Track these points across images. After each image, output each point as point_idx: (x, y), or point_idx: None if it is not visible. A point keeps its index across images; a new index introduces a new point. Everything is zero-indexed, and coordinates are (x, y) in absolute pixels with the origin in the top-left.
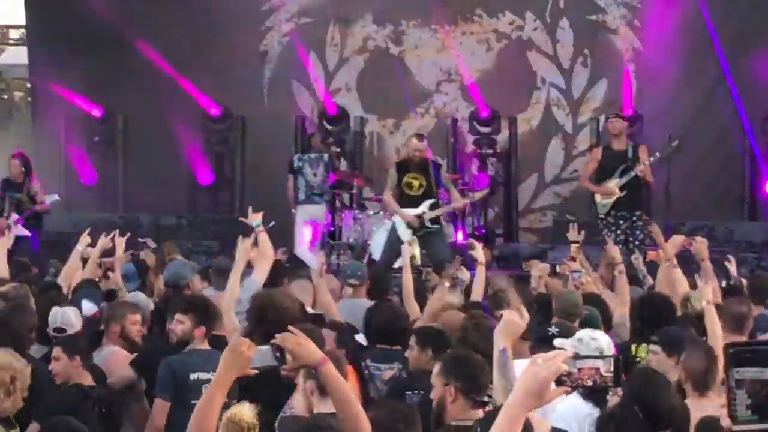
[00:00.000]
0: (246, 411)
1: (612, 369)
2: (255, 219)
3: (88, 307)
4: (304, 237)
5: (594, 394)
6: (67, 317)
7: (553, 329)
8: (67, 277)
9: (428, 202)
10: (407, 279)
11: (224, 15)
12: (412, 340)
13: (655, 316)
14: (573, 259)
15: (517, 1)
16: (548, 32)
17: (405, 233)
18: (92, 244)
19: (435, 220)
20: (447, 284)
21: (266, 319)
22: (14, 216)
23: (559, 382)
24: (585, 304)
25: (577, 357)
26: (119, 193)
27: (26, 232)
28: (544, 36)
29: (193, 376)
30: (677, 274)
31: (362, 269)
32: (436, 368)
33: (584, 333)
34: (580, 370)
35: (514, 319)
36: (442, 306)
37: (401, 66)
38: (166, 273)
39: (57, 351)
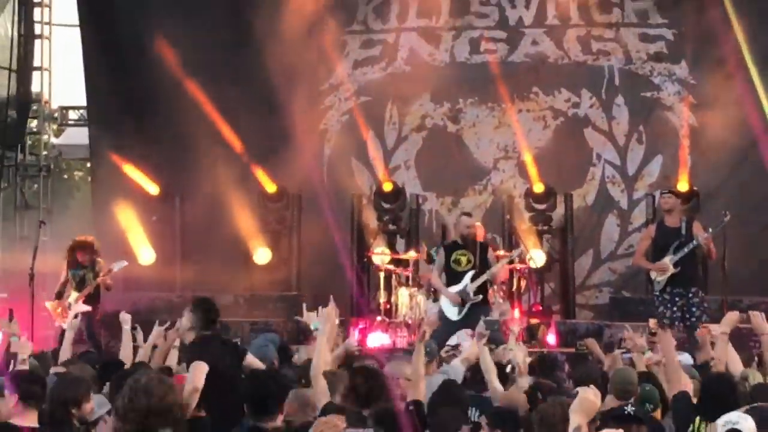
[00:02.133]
0: None
1: None
2: (312, 320)
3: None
4: None
5: None
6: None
7: (629, 408)
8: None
9: (469, 274)
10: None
11: (284, 94)
12: (483, 421)
13: (719, 397)
14: (653, 333)
15: (573, 78)
16: (604, 109)
17: (451, 312)
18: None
19: (478, 291)
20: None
21: None
22: (74, 295)
23: None
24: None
25: None
26: (177, 272)
27: (87, 308)
28: (600, 113)
29: None
30: (731, 350)
31: (431, 345)
32: None
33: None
34: None
35: (589, 397)
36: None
37: (459, 144)
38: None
39: None
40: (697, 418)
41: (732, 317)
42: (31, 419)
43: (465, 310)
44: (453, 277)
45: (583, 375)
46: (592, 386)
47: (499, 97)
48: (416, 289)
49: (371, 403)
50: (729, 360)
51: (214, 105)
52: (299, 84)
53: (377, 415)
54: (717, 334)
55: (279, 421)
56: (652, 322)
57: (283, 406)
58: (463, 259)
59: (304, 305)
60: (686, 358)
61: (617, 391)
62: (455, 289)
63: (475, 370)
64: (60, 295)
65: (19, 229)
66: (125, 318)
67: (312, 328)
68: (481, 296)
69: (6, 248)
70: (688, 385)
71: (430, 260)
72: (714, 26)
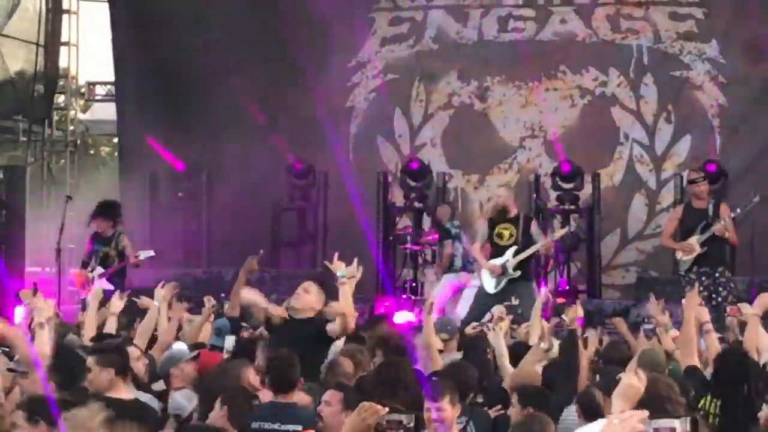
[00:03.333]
0: None
1: (689, 429)
2: (340, 268)
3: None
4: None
5: None
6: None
7: None
8: (145, 332)
9: (512, 249)
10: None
11: (311, 71)
12: (514, 398)
13: (729, 373)
14: None
15: (601, 57)
16: (632, 88)
17: (490, 284)
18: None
19: (518, 267)
20: (542, 345)
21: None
22: (99, 269)
23: None
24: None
25: (652, 416)
26: (203, 248)
27: (109, 286)
28: (628, 92)
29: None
30: (761, 332)
31: (452, 323)
32: None
33: None
34: (656, 430)
35: (633, 382)
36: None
37: (485, 122)
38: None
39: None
40: (708, 396)
41: (765, 299)
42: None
43: (502, 284)
44: (495, 251)
45: (613, 355)
46: (639, 371)
47: (527, 76)
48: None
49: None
50: (760, 342)
51: (242, 81)
52: (327, 61)
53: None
54: (748, 314)
55: None
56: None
57: None
58: (506, 233)
59: (336, 255)
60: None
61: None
62: (498, 261)
63: (467, 347)
64: (85, 265)
65: (45, 204)
66: (159, 295)
67: (338, 275)
68: (519, 272)
69: (33, 223)
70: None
71: (446, 235)
72: (744, 5)
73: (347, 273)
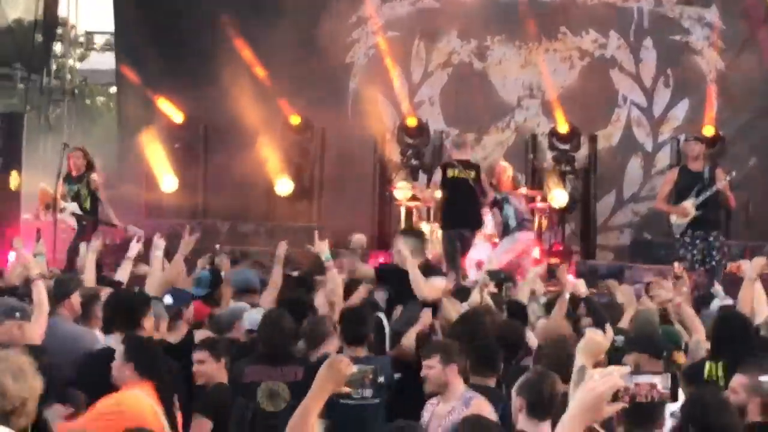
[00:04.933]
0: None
1: (669, 385)
2: (323, 250)
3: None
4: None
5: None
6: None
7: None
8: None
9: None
10: None
11: (311, 26)
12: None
13: (730, 335)
14: (678, 277)
15: (601, 19)
16: (631, 51)
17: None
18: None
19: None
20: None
21: None
22: (73, 205)
23: (615, 397)
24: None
25: (633, 372)
26: (199, 199)
27: (71, 219)
28: (627, 55)
29: None
30: (759, 292)
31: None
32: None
33: None
34: (637, 385)
35: (596, 337)
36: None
37: (484, 81)
38: (233, 280)
39: (203, 354)
40: (708, 363)
41: (759, 262)
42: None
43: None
44: None
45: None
46: (608, 327)
47: (527, 36)
48: (437, 224)
49: None
50: (756, 304)
51: (241, 35)
52: (327, 16)
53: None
54: (745, 273)
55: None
56: (677, 266)
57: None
58: None
59: (317, 233)
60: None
61: (638, 334)
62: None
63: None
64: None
65: (42, 152)
66: (159, 243)
67: (323, 258)
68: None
69: (29, 171)
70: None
71: (493, 203)
72: None
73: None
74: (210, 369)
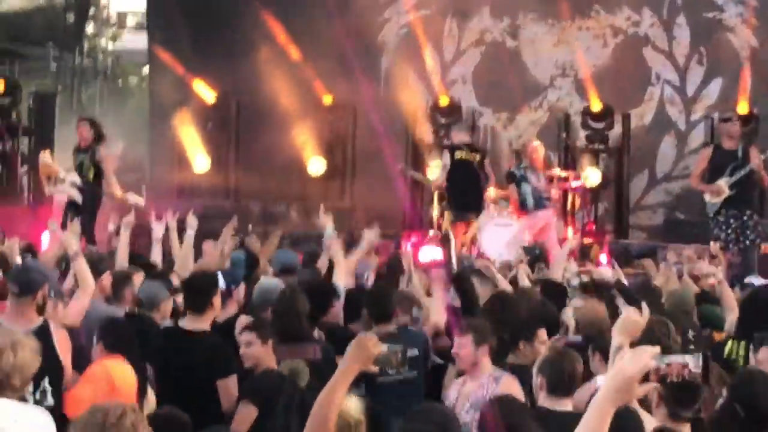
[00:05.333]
0: (352, 406)
1: (701, 365)
2: (327, 224)
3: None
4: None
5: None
6: None
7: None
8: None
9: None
10: None
11: (343, 5)
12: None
13: (757, 315)
14: (714, 256)
15: None
16: (665, 29)
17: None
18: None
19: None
20: None
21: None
22: (75, 176)
23: (646, 378)
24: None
25: (664, 353)
26: (231, 179)
27: (66, 193)
28: (661, 33)
29: None
30: None
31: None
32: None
33: None
34: (668, 365)
35: (633, 317)
36: None
37: (516, 60)
38: (274, 260)
39: (251, 336)
40: (730, 341)
41: None
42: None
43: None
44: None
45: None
46: (644, 306)
47: (559, 14)
48: None
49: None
50: None
51: (273, 14)
52: None
53: None
54: None
55: None
56: (713, 245)
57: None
58: None
59: (322, 206)
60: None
61: (673, 314)
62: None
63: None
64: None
65: (74, 132)
66: (192, 222)
67: (325, 233)
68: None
69: (61, 151)
70: None
71: (512, 179)
72: None
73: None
74: (257, 351)
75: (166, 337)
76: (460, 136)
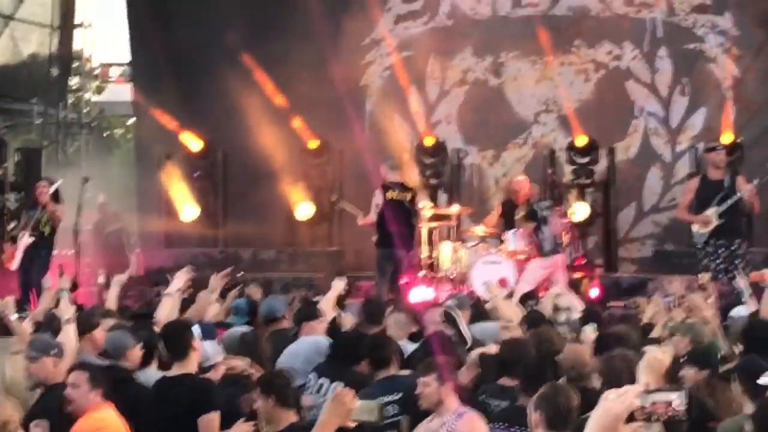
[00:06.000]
0: None
1: (685, 402)
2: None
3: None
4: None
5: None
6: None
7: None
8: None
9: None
10: None
11: (326, 49)
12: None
13: (762, 343)
14: (703, 287)
15: (615, 31)
16: (646, 61)
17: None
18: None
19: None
20: None
21: None
22: (26, 237)
23: (631, 417)
24: None
25: (649, 391)
26: (219, 228)
27: (29, 240)
28: (643, 65)
29: None
30: None
31: (462, 296)
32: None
33: None
34: (653, 404)
35: (657, 356)
36: None
37: (500, 98)
38: (261, 308)
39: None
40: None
41: None
42: None
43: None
44: None
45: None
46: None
47: (541, 51)
48: (459, 242)
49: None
50: None
51: (257, 61)
52: (341, 39)
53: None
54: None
55: None
56: (702, 276)
57: None
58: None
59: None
60: (741, 309)
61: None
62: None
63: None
64: (14, 240)
65: (61, 186)
66: (180, 277)
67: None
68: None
69: None
70: None
71: (533, 217)
72: None
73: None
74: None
75: (155, 388)
76: (391, 176)
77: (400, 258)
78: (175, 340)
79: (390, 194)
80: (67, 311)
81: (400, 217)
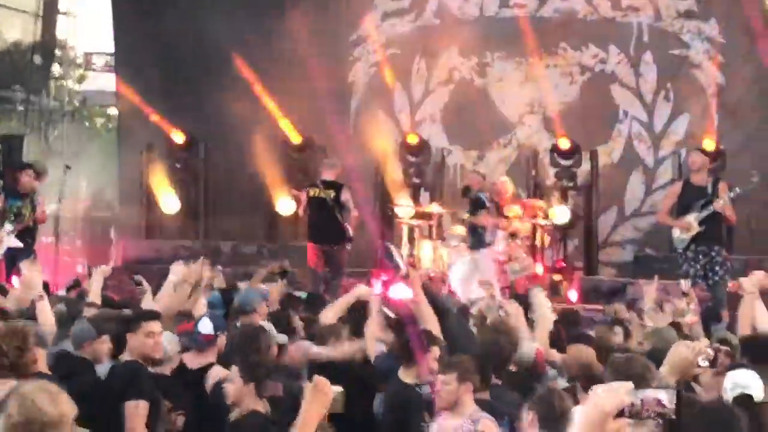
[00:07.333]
0: None
1: (675, 400)
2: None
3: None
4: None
5: None
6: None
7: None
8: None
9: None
10: None
11: (312, 45)
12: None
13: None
14: (684, 294)
15: (601, 34)
16: (631, 66)
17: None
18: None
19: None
20: None
21: None
22: (8, 226)
23: (620, 413)
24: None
25: (638, 388)
26: (200, 220)
27: (19, 244)
28: (628, 69)
29: None
30: (760, 308)
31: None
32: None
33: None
34: (642, 401)
35: (683, 352)
36: None
37: (485, 98)
38: (235, 300)
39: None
40: None
41: (757, 277)
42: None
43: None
44: None
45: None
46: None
47: (527, 52)
48: (440, 242)
49: None
50: (758, 320)
51: (241, 54)
52: (327, 35)
53: None
54: (744, 290)
55: None
56: (683, 283)
57: None
58: None
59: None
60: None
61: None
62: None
63: None
64: None
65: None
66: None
67: None
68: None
69: None
70: None
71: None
72: None
73: None
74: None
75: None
76: (326, 173)
77: (328, 252)
78: None
79: (312, 192)
80: (36, 288)
81: (322, 214)
